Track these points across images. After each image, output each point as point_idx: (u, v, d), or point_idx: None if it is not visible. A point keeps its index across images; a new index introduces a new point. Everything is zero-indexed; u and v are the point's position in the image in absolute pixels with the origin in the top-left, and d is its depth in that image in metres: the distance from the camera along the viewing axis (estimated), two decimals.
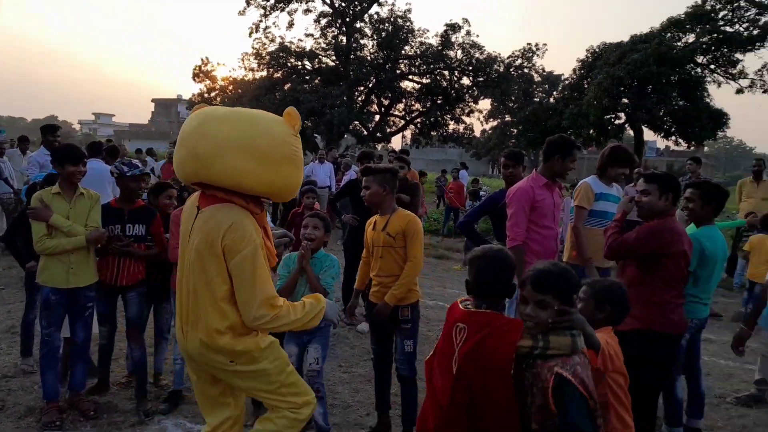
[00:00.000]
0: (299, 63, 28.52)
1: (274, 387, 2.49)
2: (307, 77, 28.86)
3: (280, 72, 28.52)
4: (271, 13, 28.06)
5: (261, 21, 28.03)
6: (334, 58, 28.31)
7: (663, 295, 3.18)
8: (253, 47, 28.68)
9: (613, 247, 3.28)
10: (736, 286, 8.97)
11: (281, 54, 27.69)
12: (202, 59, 31.28)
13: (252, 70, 28.96)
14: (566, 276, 2.07)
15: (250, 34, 28.47)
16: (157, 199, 4.28)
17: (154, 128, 77.05)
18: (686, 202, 3.68)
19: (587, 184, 4.39)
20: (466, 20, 27.19)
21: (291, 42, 28.31)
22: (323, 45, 28.00)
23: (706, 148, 44.63)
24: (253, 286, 2.29)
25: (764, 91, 23.51)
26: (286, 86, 27.86)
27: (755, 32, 22.66)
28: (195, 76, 30.98)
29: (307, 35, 39.39)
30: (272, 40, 28.14)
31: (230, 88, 30.79)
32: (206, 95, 31.07)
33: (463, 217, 4.87)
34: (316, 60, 28.28)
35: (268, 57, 27.92)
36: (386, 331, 3.73)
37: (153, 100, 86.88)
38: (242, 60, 28.96)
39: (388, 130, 30.18)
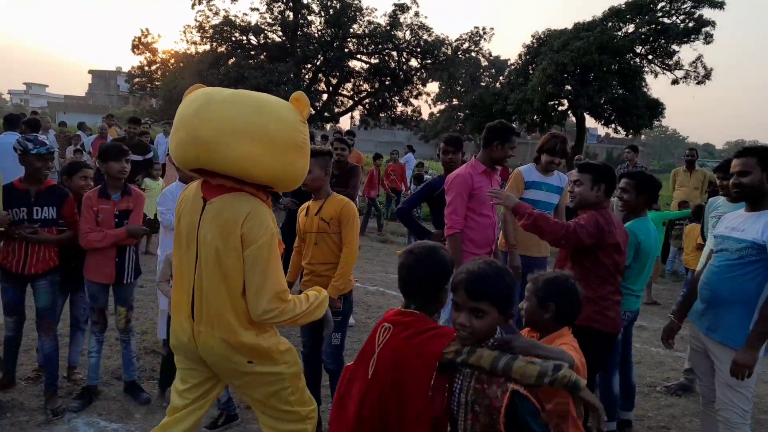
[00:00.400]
0: (244, 38, 27.73)
1: (286, 393, 2.42)
2: (253, 53, 28.13)
3: (225, 46, 27.67)
4: None
5: None
6: (280, 33, 27.67)
7: (598, 290, 3.09)
8: (196, 20, 27.67)
9: (570, 232, 3.06)
10: (668, 273, 9.30)
11: (225, 28, 26.83)
12: (141, 30, 29.98)
13: (195, 43, 27.96)
14: (503, 278, 1.83)
15: (193, 5, 27.40)
16: (70, 179, 3.93)
17: (92, 101, 73.53)
18: (621, 193, 3.67)
19: (518, 172, 4.41)
20: (414, 1, 27.02)
21: (236, 16, 27.46)
22: (269, 20, 27.27)
23: (642, 137, 46.33)
24: (266, 277, 2.18)
25: (698, 83, 24.51)
26: (231, 61, 27.04)
27: (690, 25, 23.50)
28: (134, 47, 29.66)
29: (252, 9, 38.56)
30: (216, 13, 27.22)
31: (172, 61, 29.66)
32: (146, 68, 29.87)
33: (402, 203, 4.70)
34: (262, 35, 27.56)
35: (211, 30, 27.00)
36: (316, 323, 3.59)
37: (90, 72, 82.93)
38: (184, 33, 27.88)
39: (336, 110, 29.83)
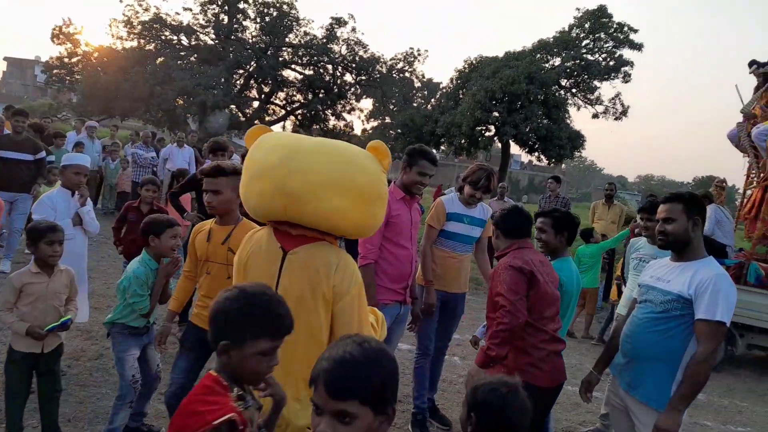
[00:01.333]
0: (175, 37, 26.82)
1: None
2: (183, 53, 27.23)
3: (153, 44, 26.63)
4: None
5: None
6: (213, 36, 26.96)
7: (530, 339, 2.86)
8: (124, 14, 26.51)
9: (510, 320, 2.77)
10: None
11: (155, 25, 25.85)
12: (63, 20, 28.39)
13: (121, 38, 26.77)
14: (378, 366, 1.33)
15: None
16: None
17: (5, 90, 68.83)
18: (538, 233, 3.46)
19: (440, 203, 4.17)
20: (351, 16, 27.16)
21: (167, 14, 26.54)
22: (202, 21, 26.53)
23: (563, 166, 48.49)
24: (361, 327, 2.16)
25: (616, 118, 25.99)
26: (159, 60, 26.04)
27: (611, 63, 24.95)
28: (54, 37, 27.99)
29: (185, 9, 37.42)
30: (146, 9, 26.17)
31: (95, 55, 28.20)
32: (66, 59, 28.26)
33: None
34: (194, 36, 26.75)
35: (140, 27, 25.93)
36: (194, 361, 3.24)
37: (5, 59, 77.73)
38: (110, 26, 26.65)
39: (267, 118, 29.32)
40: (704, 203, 2.72)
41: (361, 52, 27.28)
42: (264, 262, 2.18)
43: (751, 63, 6.36)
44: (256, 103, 28.65)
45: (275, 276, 2.14)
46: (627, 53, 25.14)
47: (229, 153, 9.22)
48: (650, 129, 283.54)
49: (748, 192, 6.64)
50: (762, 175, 6.29)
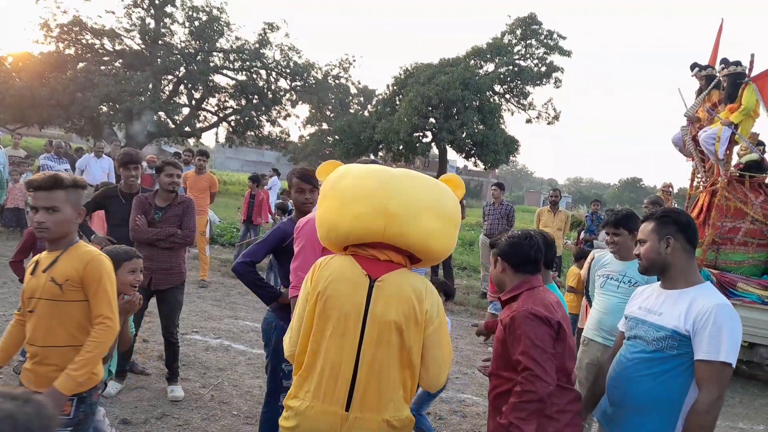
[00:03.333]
0: (97, 41, 25.43)
1: None
2: (106, 58, 25.88)
3: (73, 49, 25.13)
4: None
5: None
6: (138, 40, 25.73)
7: (557, 402, 2.31)
8: (40, 17, 24.91)
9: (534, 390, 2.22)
10: None
11: (74, 28, 24.38)
12: None
13: (37, 42, 25.12)
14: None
15: (37, 1, 24.64)
16: None
17: None
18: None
19: None
20: (285, 21, 26.71)
21: (88, 17, 25.14)
22: (126, 25, 25.26)
23: (497, 170, 49.56)
24: (448, 350, 2.26)
25: (548, 123, 26.69)
26: (80, 66, 24.57)
27: (543, 69, 25.60)
28: None
29: (108, 12, 35.71)
30: (65, 12, 24.65)
31: (9, 60, 26.28)
32: None
33: (242, 255, 3.45)
34: (118, 41, 25.44)
35: (58, 30, 24.38)
36: None
37: None
38: (24, 30, 24.99)
39: (198, 125, 28.27)
40: (683, 219, 2.36)
41: (295, 58, 26.83)
42: (349, 290, 2.17)
43: (693, 66, 6.41)
44: (186, 110, 27.55)
45: (362, 304, 2.15)
46: (557, 59, 25.89)
47: (143, 165, 8.48)
48: (578, 133, 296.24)
49: (695, 196, 6.70)
50: (709, 179, 6.34)
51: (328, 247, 2.40)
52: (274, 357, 3.32)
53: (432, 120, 25.07)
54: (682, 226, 2.33)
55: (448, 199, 2.26)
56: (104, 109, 23.96)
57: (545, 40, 25.83)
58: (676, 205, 7.30)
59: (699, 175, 6.61)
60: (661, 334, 2.24)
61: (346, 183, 2.24)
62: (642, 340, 2.31)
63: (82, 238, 4.16)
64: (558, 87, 25.83)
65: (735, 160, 6.36)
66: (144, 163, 10.60)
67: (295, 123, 34.31)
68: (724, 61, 5.79)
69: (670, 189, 7.30)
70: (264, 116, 28.07)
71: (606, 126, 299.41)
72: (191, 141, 29.75)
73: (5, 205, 8.77)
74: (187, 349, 5.22)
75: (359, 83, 33.07)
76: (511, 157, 27.27)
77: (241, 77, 27.21)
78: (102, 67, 24.68)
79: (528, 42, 26.07)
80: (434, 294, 2.22)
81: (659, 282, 2.41)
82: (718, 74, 6.10)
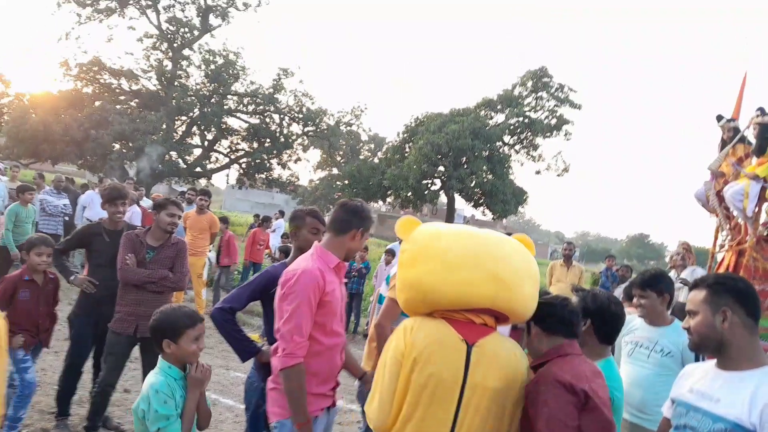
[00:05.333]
0: (114, 81, 25.86)
1: None
2: (122, 97, 26.28)
3: (91, 87, 25.54)
4: (86, 22, 25.17)
5: (73, 29, 24.97)
6: (155, 81, 26.14)
7: None
8: (61, 56, 25.43)
9: None
10: None
11: (93, 68, 24.83)
12: None
13: (55, 80, 25.59)
14: None
15: (59, 40, 25.25)
16: None
17: None
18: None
19: None
20: (299, 68, 27.14)
21: (108, 58, 25.62)
22: (144, 66, 25.73)
23: (504, 221, 49.32)
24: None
25: (558, 175, 26.56)
26: (96, 104, 24.89)
27: (553, 121, 25.65)
28: None
29: (127, 53, 36.58)
30: (85, 52, 25.18)
31: (27, 97, 26.70)
32: None
33: (223, 300, 3.14)
34: (134, 81, 25.86)
35: (77, 68, 24.83)
36: None
37: None
38: (46, 68, 25.52)
39: (210, 166, 28.39)
40: (741, 287, 1.99)
41: (308, 104, 27.11)
42: (447, 356, 2.07)
43: (719, 117, 6.17)
44: (198, 151, 27.71)
45: (461, 370, 2.06)
46: (568, 112, 25.98)
47: (130, 201, 8.13)
48: (586, 186, 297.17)
49: (719, 255, 6.34)
50: (735, 238, 6.00)
51: (410, 309, 2.30)
52: (252, 425, 2.98)
53: (441, 168, 25.04)
54: (741, 296, 1.96)
55: (533, 262, 2.27)
56: (117, 146, 24.12)
57: (556, 93, 26.01)
58: (695, 264, 6.91)
59: (723, 233, 6.27)
60: (719, 426, 1.84)
61: (445, 245, 2.18)
62: None
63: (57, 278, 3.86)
64: (568, 139, 25.83)
65: (764, 217, 6.01)
66: (149, 201, 10.43)
67: (305, 167, 34.45)
68: (761, 110, 5.55)
69: (688, 245, 6.93)
70: (275, 159, 28.20)
71: (614, 180, 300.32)
72: (202, 181, 29.84)
73: None
74: None
75: (370, 130, 33.42)
76: (519, 208, 27.04)
77: (254, 120, 27.49)
78: (117, 106, 25.00)
79: (539, 94, 26.25)
80: (526, 357, 2.21)
81: (714, 360, 2.02)
82: (748, 125, 5.85)
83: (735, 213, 5.87)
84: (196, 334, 2.49)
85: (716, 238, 6.32)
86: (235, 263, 9.66)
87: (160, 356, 2.51)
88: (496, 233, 2.32)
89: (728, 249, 6.05)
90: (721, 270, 6.03)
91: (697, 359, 2.98)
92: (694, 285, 2.08)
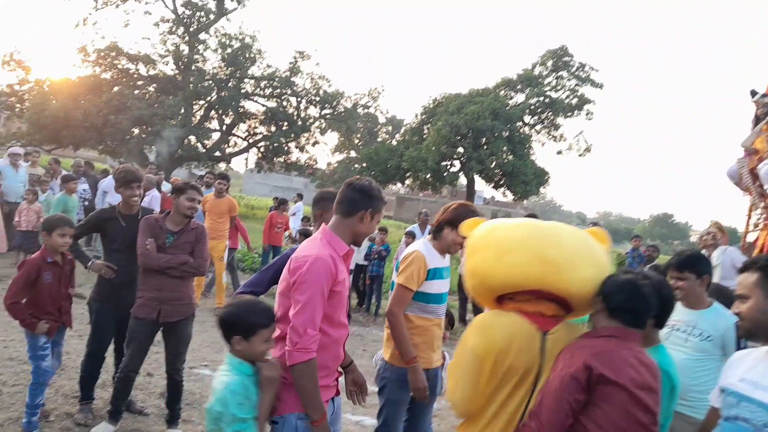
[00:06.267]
0: (132, 66, 25.92)
1: None
2: (140, 83, 26.33)
3: (109, 73, 25.65)
4: (103, 8, 25.21)
5: (90, 14, 25.03)
6: (172, 66, 26.16)
7: None
8: (79, 41, 25.54)
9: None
10: None
11: (111, 53, 24.90)
12: (15, 47, 27.22)
13: (74, 66, 25.73)
14: None
15: (77, 26, 25.33)
16: None
17: None
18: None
19: (422, 258, 3.20)
20: (316, 50, 26.96)
21: (126, 44, 25.68)
22: (161, 51, 25.74)
23: (524, 202, 48.88)
24: None
25: (579, 155, 26.13)
26: (114, 89, 25.02)
27: (574, 101, 25.19)
28: (5, 63, 26.71)
29: (144, 38, 36.74)
30: (102, 38, 25.25)
31: (47, 83, 26.95)
32: (17, 87, 26.95)
33: (243, 285, 3.07)
34: (152, 66, 25.90)
35: (95, 54, 24.92)
36: None
37: None
38: (65, 54, 25.66)
39: (228, 150, 28.46)
40: None
41: (325, 86, 26.91)
42: (526, 346, 2.21)
43: (753, 92, 5.94)
44: (216, 135, 27.78)
45: (538, 357, 2.21)
46: (589, 91, 25.49)
47: (149, 185, 8.03)
48: (607, 166, 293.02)
49: (752, 235, 6.14)
50: None
51: (476, 295, 2.47)
52: None
53: (460, 149, 24.79)
54: None
55: (597, 246, 2.35)
56: (136, 132, 24.26)
57: (577, 72, 25.51)
58: (727, 243, 6.69)
59: (757, 212, 6.06)
60: None
61: (499, 234, 2.36)
62: (748, 423, 1.81)
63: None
64: (589, 119, 25.38)
65: None
66: (168, 186, 10.43)
67: (323, 150, 34.53)
68: None
69: (720, 225, 6.71)
70: (293, 143, 28.16)
71: (636, 159, 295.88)
72: (222, 165, 29.94)
73: (17, 227, 8.36)
74: (192, 386, 4.84)
75: (387, 113, 33.22)
76: (542, 189, 26.72)
77: (272, 104, 27.39)
78: (136, 91, 25.09)
79: (559, 74, 25.77)
80: None
81: (766, 348, 1.90)
82: None
83: None
84: (269, 334, 2.36)
85: (749, 217, 6.13)
86: (236, 248, 9.50)
87: (228, 353, 2.38)
88: (555, 223, 2.43)
89: (763, 228, 5.86)
90: (757, 251, 5.85)
91: (738, 344, 2.86)
92: (745, 267, 1.96)
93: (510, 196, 26.27)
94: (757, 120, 5.87)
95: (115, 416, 3.87)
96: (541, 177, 24.92)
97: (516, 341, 2.20)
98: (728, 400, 1.93)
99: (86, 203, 8.93)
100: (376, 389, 3.36)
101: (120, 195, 4.20)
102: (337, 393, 2.64)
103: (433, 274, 3.22)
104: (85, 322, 5.23)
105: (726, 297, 3.33)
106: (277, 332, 2.39)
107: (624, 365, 1.98)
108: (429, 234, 3.41)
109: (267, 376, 2.31)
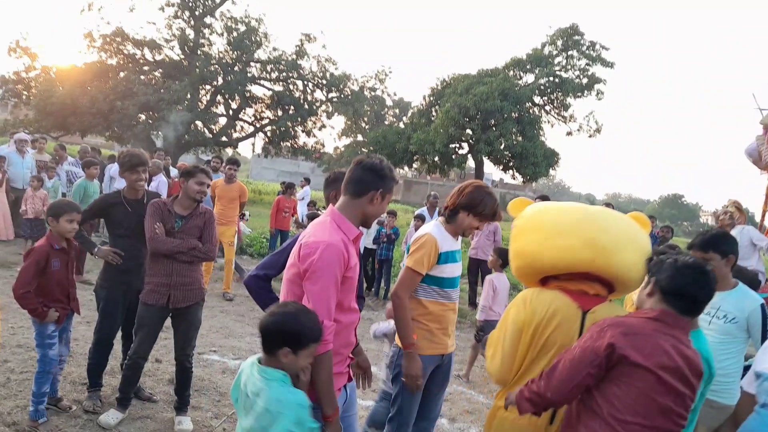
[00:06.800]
0: (138, 51, 25.80)
1: None
2: (146, 68, 26.23)
3: (115, 59, 25.55)
4: None
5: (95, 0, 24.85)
6: (178, 51, 26.00)
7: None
8: (84, 27, 25.42)
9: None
10: None
11: (116, 39, 24.77)
12: (21, 33, 27.15)
13: (80, 52, 25.64)
14: None
15: (82, 11, 25.18)
16: None
17: None
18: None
19: (434, 241, 3.08)
20: (322, 33, 26.64)
21: (132, 29, 25.56)
22: (166, 36, 25.58)
23: (533, 183, 48.55)
24: None
25: (590, 136, 25.82)
26: (120, 75, 24.94)
27: (584, 81, 24.80)
28: (11, 51, 26.64)
29: (149, 23, 36.56)
30: (108, 23, 25.14)
31: (54, 70, 26.89)
32: (24, 74, 26.91)
33: (256, 268, 2.95)
34: (157, 51, 25.76)
35: (101, 40, 24.80)
36: None
37: None
38: (71, 41, 25.54)
39: (235, 135, 28.37)
40: None
41: (331, 69, 26.68)
42: (564, 321, 2.29)
43: None
44: (223, 120, 27.68)
45: (576, 334, 2.27)
46: (599, 71, 25.08)
47: (156, 170, 7.93)
48: (617, 147, 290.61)
49: None
50: None
51: (521, 276, 2.55)
52: None
53: (469, 131, 24.54)
54: None
55: (641, 233, 2.42)
56: (142, 117, 24.22)
57: (587, 51, 25.07)
58: (745, 223, 6.55)
59: None
60: None
61: (550, 217, 2.43)
62: None
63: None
64: (600, 99, 24.98)
65: None
66: (175, 171, 10.36)
67: (330, 134, 34.31)
68: None
69: (738, 205, 6.57)
70: (300, 127, 28.01)
71: (646, 140, 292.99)
72: (228, 150, 29.88)
73: (24, 215, 8.25)
74: (202, 372, 4.79)
75: (395, 95, 32.94)
76: (552, 171, 26.46)
77: (278, 88, 27.22)
78: (142, 77, 25.00)
79: (569, 53, 25.35)
80: None
81: None
82: None
83: None
84: (316, 349, 2.16)
85: None
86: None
87: (268, 361, 2.17)
88: (602, 208, 2.49)
89: None
90: None
91: (764, 326, 2.76)
92: None
93: (519, 179, 26.02)
94: None
95: (124, 403, 3.82)
96: (551, 158, 24.64)
97: (557, 317, 2.28)
98: (765, 385, 1.86)
99: None
100: (381, 373, 3.29)
101: (125, 179, 4.11)
102: (350, 379, 2.58)
103: (445, 257, 3.12)
104: (93, 308, 5.20)
105: (745, 278, 3.22)
106: None
107: (656, 350, 1.88)
108: (441, 216, 3.30)
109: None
